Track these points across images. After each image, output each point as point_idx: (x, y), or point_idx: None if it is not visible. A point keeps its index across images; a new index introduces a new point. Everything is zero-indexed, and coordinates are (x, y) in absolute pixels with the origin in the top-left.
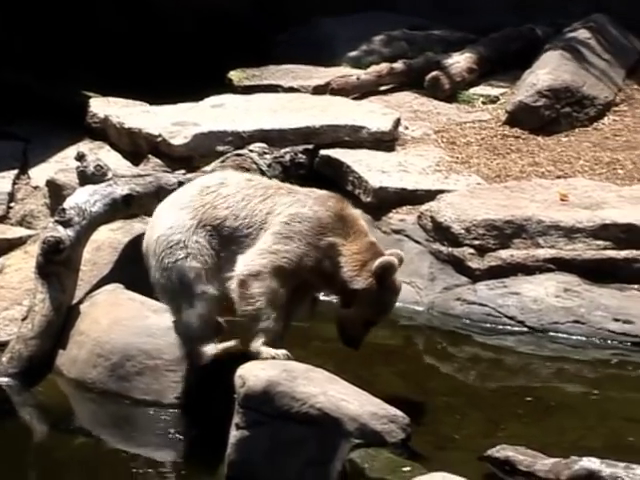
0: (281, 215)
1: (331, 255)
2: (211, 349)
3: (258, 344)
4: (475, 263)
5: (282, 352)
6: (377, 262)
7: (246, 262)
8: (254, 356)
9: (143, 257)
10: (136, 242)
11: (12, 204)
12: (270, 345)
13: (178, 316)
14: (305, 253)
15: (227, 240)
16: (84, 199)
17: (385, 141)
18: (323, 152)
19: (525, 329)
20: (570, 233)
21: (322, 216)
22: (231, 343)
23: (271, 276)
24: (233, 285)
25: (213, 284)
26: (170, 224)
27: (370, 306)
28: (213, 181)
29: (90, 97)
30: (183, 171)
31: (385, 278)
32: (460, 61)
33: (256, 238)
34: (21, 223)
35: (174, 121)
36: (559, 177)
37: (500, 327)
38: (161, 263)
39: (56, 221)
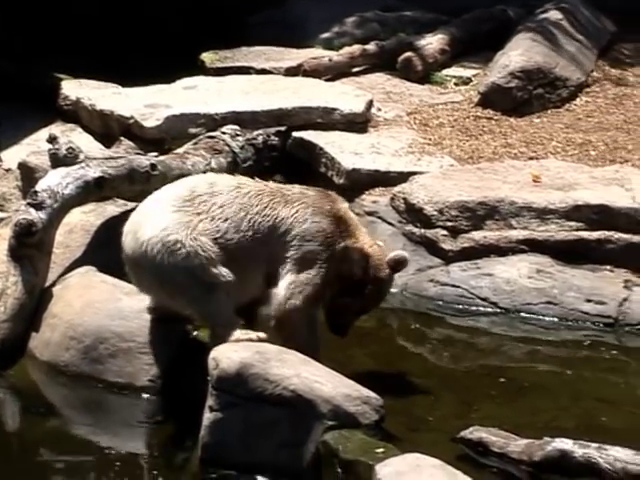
0: (288, 236)
1: (347, 257)
2: (237, 334)
3: None
4: (448, 245)
5: (256, 334)
6: (398, 255)
7: (285, 299)
8: None
9: (126, 261)
10: (109, 225)
11: None
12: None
13: (196, 306)
14: (326, 268)
15: (231, 253)
16: (56, 182)
17: (358, 123)
18: (296, 134)
19: (498, 310)
20: (543, 214)
21: (325, 226)
22: (259, 335)
23: (305, 309)
24: (271, 324)
25: (227, 271)
26: (164, 225)
27: (374, 296)
28: (202, 186)
29: (62, 79)
30: (155, 153)
31: (397, 271)
32: (432, 42)
33: (264, 255)
34: None
35: (146, 103)
36: (531, 158)
37: (473, 308)
38: (159, 264)
39: (28, 204)
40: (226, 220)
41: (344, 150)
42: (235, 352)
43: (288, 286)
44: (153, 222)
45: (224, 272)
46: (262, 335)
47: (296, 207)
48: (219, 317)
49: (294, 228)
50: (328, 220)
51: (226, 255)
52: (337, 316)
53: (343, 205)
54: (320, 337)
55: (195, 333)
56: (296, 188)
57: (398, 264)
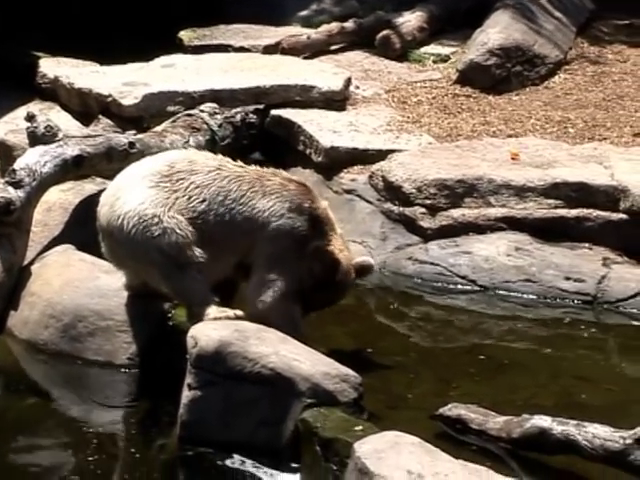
0: (264, 231)
1: (317, 257)
2: (213, 312)
3: None
4: (426, 222)
5: (234, 312)
6: (367, 261)
7: (254, 299)
8: None
9: (100, 232)
10: (87, 203)
11: None
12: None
13: (169, 283)
14: (297, 266)
15: (207, 236)
16: (34, 160)
17: (336, 101)
18: (274, 112)
19: (477, 288)
20: (521, 192)
21: (300, 224)
22: (236, 313)
23: (276, 305)
24: (250, 319)
25: (201, 251)
26: (141, 200)
27: (332, 297)
28: (181, 163)
29: (39, 57)
30: (134, 132)
31: (361, 276)
32: (411, 20)
33: (239, 242)
34: None
35: (124, 81)
36: (510, 136)
37: (452, 286)
38: (133, 238)
39: (6, 182)
40: (203, 201)
41: (322, 128)
42: (214, 330)
43: (259, 284)
44: (130, 196)
45: (198, 253)
46: (239, 312)
47: (274, 200)
48: (193, 296)
49: (270, 222)
50: (303, 218)
51: (201, 236)
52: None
53: (322, 204)
54: (300, 327)
55: (173, 311)
56: (277, 178)
57: (364, 270)
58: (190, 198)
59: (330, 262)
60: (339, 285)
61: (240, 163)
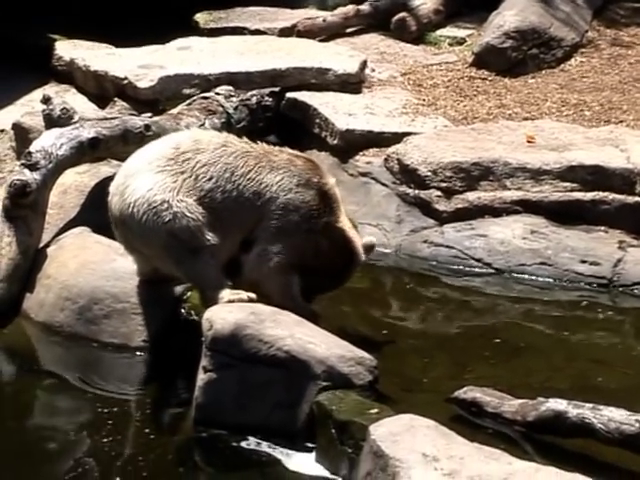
0: (272, 205)
1: (328, 234)
2: (226, 294)
3: None
4: (442, 205)
5: (247, 294)
6: (369, 240)
7: (252, 266)
8: None
9: (112, 221)
10: (103, 185)
11: None
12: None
13: (182, 268)
14: (303, 240)
15: (216, 214)
16: (50, 142)
17: (352, 83)
18: (290, 95)
19: (492, 271)
20: (537, 175)
21: (310, 199)
22: (250, 295)
23: (279, 276)
24: (246, 286)
25: (212, 234)
26: (149, 186)
27: (341, 277)
28: (186, 143)
29: (55, 40)
30: (149, 114)
31: (366, 254)
32: (427, 2)
33: (248, 218)
34: None
35: (140, 64)
36: (526, 119)
37: (467, 269)
38: (144, 225)
39: (22, 164)
40: (210, 179)
41: (338, 111)
42: (229, 313)
43: (259, 254)
44: (138, 183)
45: (209, 236)
46: (253, 295)
47: (281, 174)
48: (206, 279)
49: (278, 197)
50: (313, 192)
51: (210, 215)
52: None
53: (330, 180)
54: (297, 301)
55: (188, 294)
56: (284, 154)
57: (368, 250)
58: (197, 177)
59: (341, 239)
60: (349, 264)
61: (246, 140)
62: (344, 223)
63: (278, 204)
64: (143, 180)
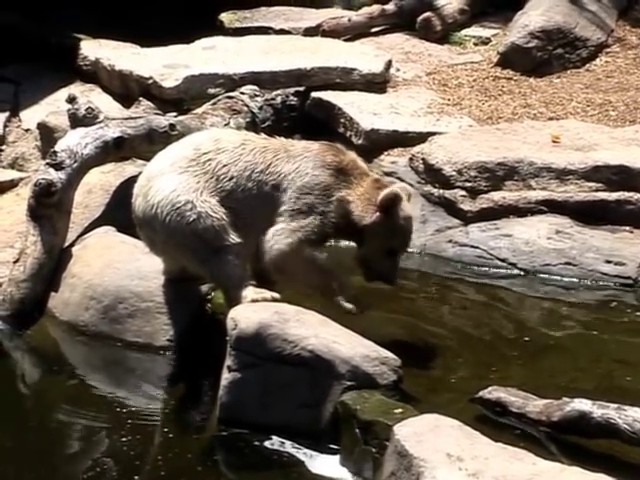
0: (289, 191)
1: (343, 208)
2: (250, 293)
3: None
4: (467, 205)
5: (270, 294)
6: (381, 195)
7: (271, 246)
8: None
9: (137, 223)
10: (128, 184)
11: (3, 147)
12: (348, 299)
13: (206, 268)
14: (322, 219)
15: (237, 213)
16: (75, 142)
17: (376, 83)
18: (314, 94)
19: (517, 271)
20: (562, 175)
21: (325, 179)
22: (274, 295)
23: (300, 251)
24: (270, 270)
25: (236, 234)
26: (172, 187)
27: (383, 238)
28: (206, 143)
29: (81, 39)
30: (174, 114)
31: (391, 208)
32: (452, 2)
33: (268, 213)
34: (12, 166)
35: (165, 63)
36: (551, 119)
37: (492, 269)
38: (169, 226)
39: (47, 164)
40: (232, 179)
41: (363, 110)
42: (254, 312)
43: (275, 232)
44: (161, 184)
45: (233, 235)
46: (276, 295)
47: (298, 162)
48: (230, 279)
49: (295, 182)
50: (328, 172)
51: (233, 215)
52: (369, 267)
53: (346, 156)
54: (326, 272)
55: (213, 293)
56: (301, 143)
57: (389, 201)
58: (219, 178)
59: (350, 210)
60: (372, 226)
61: (264, 135)
62: (355, 194)
63: (295, 189)
64: (166, 181)
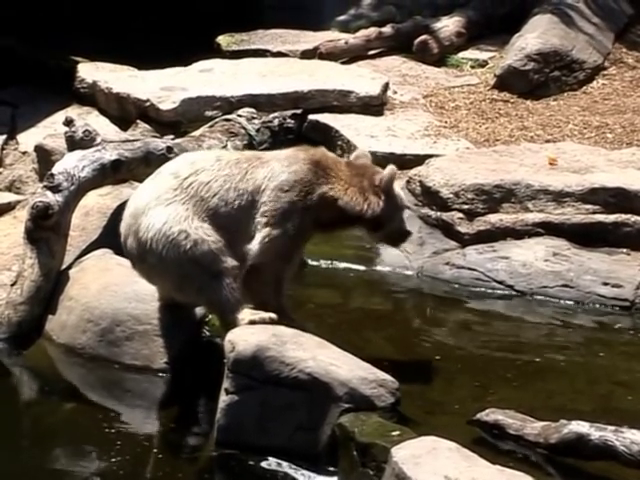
0: (268, 190)
1: (326, 203)
2: (247, 315)
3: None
4: (464, 227)
5: (268, 315)
6: (382, 181)
7: (257, 252)
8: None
9: (131, 261)
10: (125, 207)
11: (0, 169)
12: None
13: (203, 295)
14: (302, 218)
15: (225, 227)
16: (73, 164)
17: (374, 105)
18: (312, 117)
19: (514, 293)
20: (559, 197)
21: (303, 175)
22: (270, 316)
23: (276, 265)
24: (248, 276)
25: (230, 255)
26: (163, 220)
27: (396, 212)
28: (183, 169)
29: (78, 62)
30: (172, 136)
31: (392, 188)
32: (449, 25)
33: (251, 221)
34: (10, 188)
35: (162, 86)
36: (548, 141)
37: (489, 291)
38: (166, 258)
39: (45, 186)
40: (215, 195)
41: (360, 133)
42: (252, 335)
43: (262, 240)
44: (151, 219)
45: (229, 257)
46: (273, 316)
47: (272, 164)
48: (227, 303)
49: (272, 182)
50: (307, 167)
51: (225, 233)
52: (393, 239)
53: (319, 150)
54: (284, 297)
55: (210, 316)
56: (271, 152)
57: (392, 181)
58: (204, 198)
59: (334, 205)
60: (381, 215)
61: (235, 151)
62: (339, 189)
63: (272, 188)
64: (156, 216)
